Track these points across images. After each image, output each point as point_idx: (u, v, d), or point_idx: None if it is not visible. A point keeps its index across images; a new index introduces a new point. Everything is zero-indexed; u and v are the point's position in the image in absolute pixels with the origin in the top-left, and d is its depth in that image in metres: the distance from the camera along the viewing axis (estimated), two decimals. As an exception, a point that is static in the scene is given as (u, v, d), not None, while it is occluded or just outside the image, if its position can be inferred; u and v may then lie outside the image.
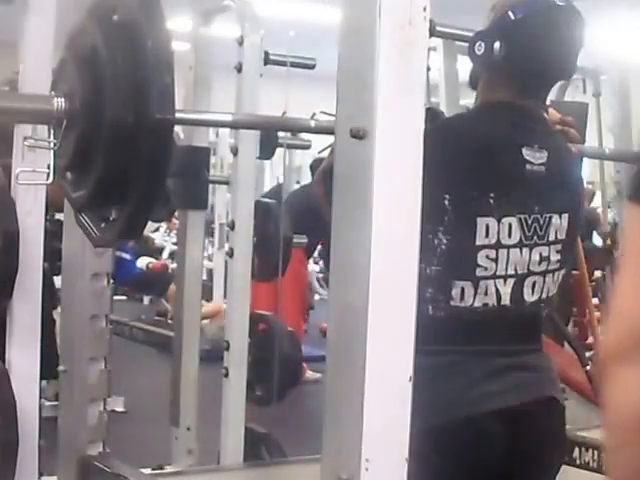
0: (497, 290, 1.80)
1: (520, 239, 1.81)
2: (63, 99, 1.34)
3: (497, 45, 1.81)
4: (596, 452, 2.75)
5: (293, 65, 3.20)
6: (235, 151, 3.05)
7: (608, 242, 4.60)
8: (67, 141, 1.35)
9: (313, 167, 6.04)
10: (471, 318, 1.80)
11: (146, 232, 8.73)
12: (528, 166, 1.82)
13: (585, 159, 4.98)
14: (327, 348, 1.32)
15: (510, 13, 1.83)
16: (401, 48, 1.24)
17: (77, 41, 1.40)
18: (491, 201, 1.77)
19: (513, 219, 1.79)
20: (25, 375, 2.29)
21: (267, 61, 3.13)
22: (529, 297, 1.84)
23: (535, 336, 1.93)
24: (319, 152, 6.21)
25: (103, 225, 1.41)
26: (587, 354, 3.54)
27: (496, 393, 1.80)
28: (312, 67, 3.37)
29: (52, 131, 1.38)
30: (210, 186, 3.95)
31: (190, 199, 3.31)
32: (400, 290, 1.26)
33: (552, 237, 1.86)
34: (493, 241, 1.78)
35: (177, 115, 1.31)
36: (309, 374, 5.52)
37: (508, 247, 1.80)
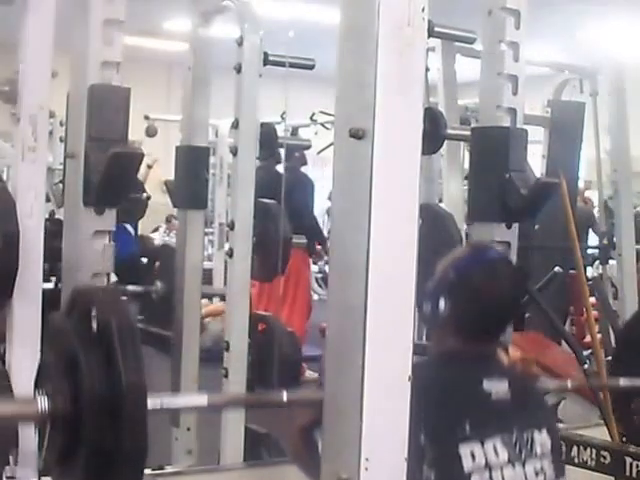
0: None
1: (509, 457, 1.86)
2: (47, 400, 1.43)
3: (442, 302, 1.95)
4: (594, 451, 2.75)
5: (292, 66, 3.21)
6: (235, 151, 3.05)
7: (604, 241, 4.62)
8: (51, 440, 1.45)
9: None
10: None
11: (146, 232, 8.72)
12: (493, 396, 1.90)
13: (583, 158, 5.01)
14: (326, 348, 1.32)
15: (449, 271, 1.97)
16: (400, 48, 1.24)
17: (58, 341, 1.49)
18: (467, 428, 1.83)
19: (496, 440, 1.85)
20: (25, 375, 2.30)
21: (266, 62, 3.13)
22: None
23: None
24: (318, 152, 6.22)
25: None
26: (584, 353, 3.55)
27: None
28: (311, 68, 3.38)
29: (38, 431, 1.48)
30: (209, 185, 3.96)
31: (189, 199, 3.31)
32: (399, 290, 1.27)
33: (540, 451, 1.91)
34: (482, 463, 1.82)
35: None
36: (308, 374, 5.52)
37: (500, 466, 1.84)
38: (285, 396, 1.80)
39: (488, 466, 1.81)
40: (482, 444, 1.82)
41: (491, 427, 1.86)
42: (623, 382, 2.64)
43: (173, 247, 3.75)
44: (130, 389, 1.37)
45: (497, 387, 1.91)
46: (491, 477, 1.81)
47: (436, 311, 1.95)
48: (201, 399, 1.75)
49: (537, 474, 1.87)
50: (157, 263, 4.13)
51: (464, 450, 1.80)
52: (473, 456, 1.80)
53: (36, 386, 1.49)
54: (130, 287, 3.83)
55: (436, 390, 1.86)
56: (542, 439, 1.91)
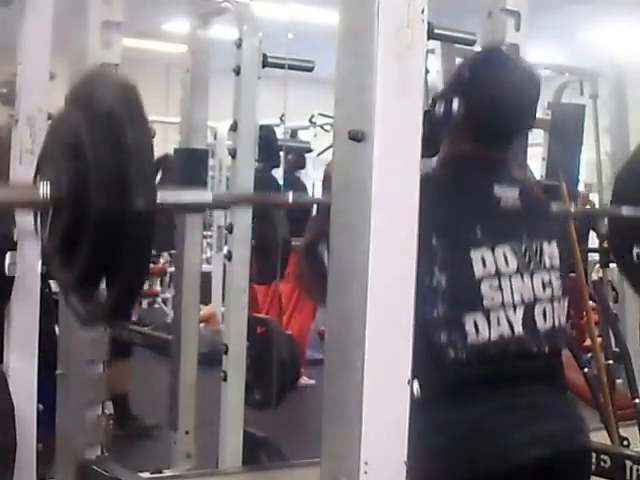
0: (508, 319, 1.79)
1: (518, 266, 1.82)
2: (49, 186, 1.38)
3: (455, 104, 1.88)
4: (595, 455, 2.75)
5: (291, 67, 3.21)
6: (233, 153, 3.04)
7: (605, 244, 4.61)
8: (54, 226, 1.39)
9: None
10: (491, 358, 1.78)
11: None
12: (502, 202, 1.87)
13: (583, 160, 5.00)
14: (325, 351, 1.31)
15: (462, 71, 1.93)
16: (399, 50, 1.24)
17: (60, 129, 1.44)
18: (478, 232, 1.80)
19: (506, 247, 1.82)
20: (23, 379, 2.29)
21: (265, 63, 3.13)
22: (542, 325, 1.84)
23: (559, 376, 1.91)
24: (318, 155, 6.22)
25: (91, 305, 1.44)
26: (585, 356, 3.54)
27: (529, 443, 1.77)
28: (310, 69, 3.38)
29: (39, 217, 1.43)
30: (208, 188, 3.95)
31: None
32: (399, 293, 1.26)
33: (548, 264, 1.88)
34: (492, 270, 1.80)
35: (158, 199, 1.35)
36: (303, 380, 5.45)
37: (509, 275, 1.81)
38: (291, 197, 1.76)
39: (498, 274, 1.79)
40: (492, 251, 1.79)
41: (501, 234, 1.82)
42: (626, 211, 2.41)
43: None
44: (136, 151, 1.29)
45: (507, 193, 1.87)
46: (500, 285, 1.79)
47: (449, 113, 1.88)
48: (206, 196, 1.69)
49: (544, 287, 1.85)
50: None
51: (475, 255, 1.78)
52: (484, 262, 1.78)
53: (36, 175, 1.43)
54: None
55: (448, 190, 1.84)
56: (551, 251, 1.88)
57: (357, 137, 1.23)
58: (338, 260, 1.29)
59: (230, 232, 3.05)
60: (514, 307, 1.80)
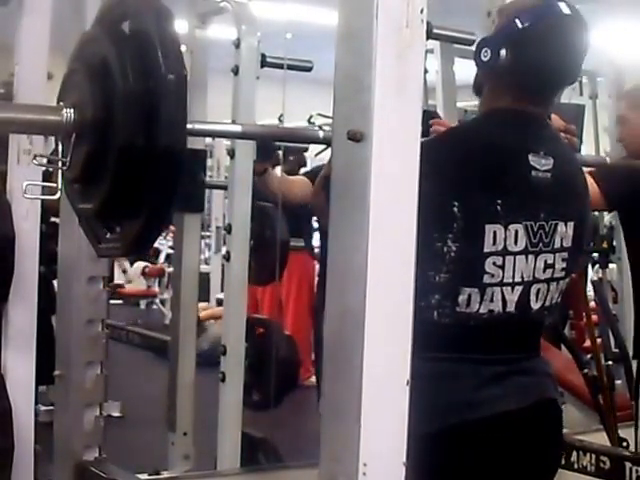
0: (503, 297, 1.80)
1: (526, 246, 1.81)
2: (72, 110, 1.31)
3: (503, 52, 1.83)
4: (594, 456, 2.74)
5: (290, 67, 3.20)
6: (232, 154, 3.04)
7: (604, 245, 4.61)
8: (75, 154, 1.32)
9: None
10: (475, 325, 1.81)
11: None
12: (534, 172, 1.83)
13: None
14: (324, 352, 1.31)
15: (517, 20, 1.84)
16: (398, 50, 1.23)
17: (86, 51, 1.37)
18: (498, 207, 1.78)
19: (519, 226, 1.80)
20: (21, 380, 2.29)
21: (264, 63, 3.12)
22: (534, 304, 1.84)
23: (536, 343, 1.94)
24: (316, 155, 6.22)
25: (109, 236, 1.39)
26: (584, 357, 3.54)
27: (497, 397, 1.81)
28: (309, 69, 3.37)
29: (60, 143, 1.35)
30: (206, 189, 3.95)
31: (187, 202, 3.30)
32: (397, 293, 1.26)
33: (557, 245, 1.86)
34: (500, 248, 1.78)
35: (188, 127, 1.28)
36: (314, 379, 5.45)
37: (514, 254, 1.80)
38: (322, 134, 1.71)
39: (504, 251, 1.78)
40: (506, 228, 1.78)
41: (520, 210, 1.80)
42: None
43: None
44: (167, 87, 1.21)
45: (542, 163, 1.83)
46: (503, 264, 1.78)
47: (496, 61, 1.83)
48: (235, 127, 1.66)
49: (546, 268, 1.84)
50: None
51: (489, 229, 1.77)
52: (495, 238, 1.77)
53: (59, 100, 1.36)
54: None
55: (481, 154, 1.81)
56: (565, 232, 1.87)
57: (356, 137, 1.23)
58: (337, 260, 1.29)
59: (229, 232, 3.04)
60: (512, 286, 1.80)
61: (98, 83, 1.29)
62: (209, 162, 5.83)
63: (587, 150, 4.87)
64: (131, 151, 1.25)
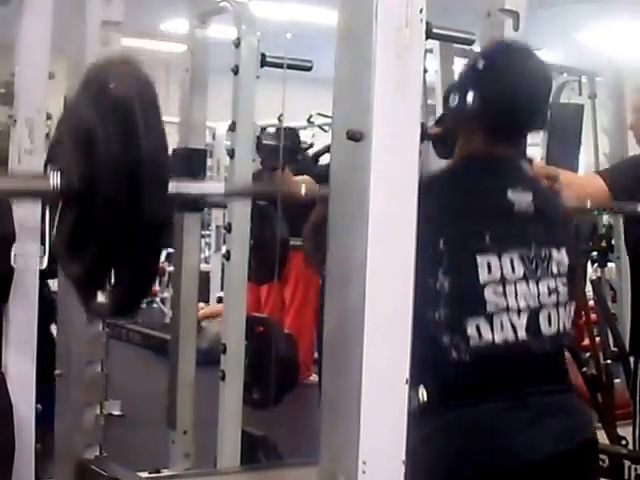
0: (512, 324, 1.79)
1: (524, 273, 1.82)
2: (59, 177, 1.35)
3: (470, 95, 1.87)
4: (593, 454, 2.75)
5: (290, 67, 3.20)
6: (232, 153, 3.04)
7: (603, 244, 4.61)
8: (63, 219, 1.37)
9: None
10: (495, 360, 1.79)
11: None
12: (516, 207, 1.86)
13: (581, 161, 5.01)
14: (324, 350, 1.31)
15: (477, 63, 1.90)
16: (398, 50, 1.24)
17: (72, 117, 1.41)
18: (487, 239, 1.80)
19: (514, 254, 1.82)
20: (21, 379, 2.29)
21: (264, 63, 3.12)
22: (546, 330, 1.84)
23: (562, 375, 1.92)
24: (315, 155, 6.21)
25: (99, 298, 1.42)
26: (583, 356, 3.54)
27: (537, 442, 1.77)
28: (309, 69, 3.37)
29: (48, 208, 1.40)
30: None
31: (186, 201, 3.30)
32: (397, 293, 1.26)
33: (555, 270, 1.88)
34: (497, 276, 1.79)
35: (170, 190, 1.32)
36: (314, 377, 5.46)
37: (514, 281, 1.81)
38: (303, 190, 1.75)
39: (503, 280, 1.78)
40: (499, 257, 1.79)
41: (511, 240, 1.82)
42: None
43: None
44: (150, 154, 1.26)
45: (521, 198, 1.86)
46: (504, 291, 1.78)
47: (463, 106, 1.87)
48: (218, 187, 1.70)
49: (550, 293, 1.84)
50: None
51: (481, 260, 1.77)
52: (489, 268, 1.78)
53: (47, 165, 1.41)
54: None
55: (460, 195, 1.83)
56: (560, 258, 1.88)
57: (355, 137, 1.23)
58: (336, 259, 1.29)
59: (229, 231, 3.05)
60: (518, 312, 1.79)
61: (83, 151, 1.33)
62: (209, 162, 5.82)
63: (586, 150, 4.88)
64: (115, 217, 1.29)
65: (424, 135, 2.29)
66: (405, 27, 1.24)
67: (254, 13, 3.08)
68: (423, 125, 1.81)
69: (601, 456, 2.74)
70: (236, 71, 3.00)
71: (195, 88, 3.25)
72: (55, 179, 1.34)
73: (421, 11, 1.25)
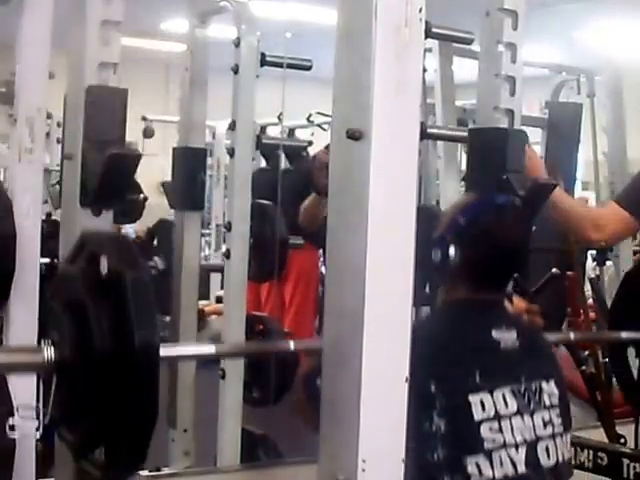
0: (511, 459, 1.83)
1: (518, 407, 1.87)
2: (52, 350, 1.38)
3: (452, 250, 1.95)
4: (591, 452, 2.75)
5: (289, 66, 3.21)
6: (232, 152, 3.05)
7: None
8: (57, 392, 1.40)
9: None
10: None
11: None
12: (502, 344, 1.92)
13: (580, 160, 5.02)
14: (323, 350, 1.32)
15: (459, 218, 1.98)
16: (397, 49, 1.24)
17: (64, 290, 1.44)
18: (477, 377, 1.85)
19: (505, 390, 1.87)
20: (22, 378, 2.29)
21: (263, 62, 3.13)
22: (546, 462, 1.88)
23: None
24: (314, 157, 6.20)
25: (95, 464, 1.45)
26: (582, 354, 3.54)
27: None
28: (308, 68, 3.37)
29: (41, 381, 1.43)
30: (207, 187, 3.96)
31: (186, 200, 3.31)
32: (396, 292, 1.27)
33: (548, 402, 1.93)
34: (492, 413, 1.83)
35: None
36: None
37: (509, 416, 1.86)
38: (292, 345, 1.83)
39: (497, 416, 1.82)
40: (491, 394, 1.83)
41: (500, 377, 1.87)
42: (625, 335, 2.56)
43: (171, 221, 3.70)
44: (142, 345, 1.32)
45: (506, 337, 1.92)
46: (500, 427, 1.82)
47: (446, 260, 1.94)
48: (208, 348, 1.74)
49: (545, 425, 1.89)
50: (155, 240, 4.13)
51: (474, 399, 1.81)
52: (483, 406, 1.82)
53: (41, 336, 1.44)
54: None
55: (447, 339, 1.90)
56: (550, 390, 1.93)
57: (355, 136, 1.24)
58: (335, 258, 1.30)
59: (228, 230, 3.05)
60: (516, 447, 1.84)
61: (75, 326, 1.37)
62: (209, 161, 5.82)
63: (585, 149, 4.88)
64: (108, 389, 1.33)
65: (423, 134, 2.31)
66: (404, 26, 1.24)
67: (254, 13, 3.09)
68: (422, 124, 1.82)
69: (600, 454, 2.74)
70: (236, 70, 3.00)
71: (195, 87, 3.25)
72: (49, 353, 1.38)
73: (420, 10, 1.26)
